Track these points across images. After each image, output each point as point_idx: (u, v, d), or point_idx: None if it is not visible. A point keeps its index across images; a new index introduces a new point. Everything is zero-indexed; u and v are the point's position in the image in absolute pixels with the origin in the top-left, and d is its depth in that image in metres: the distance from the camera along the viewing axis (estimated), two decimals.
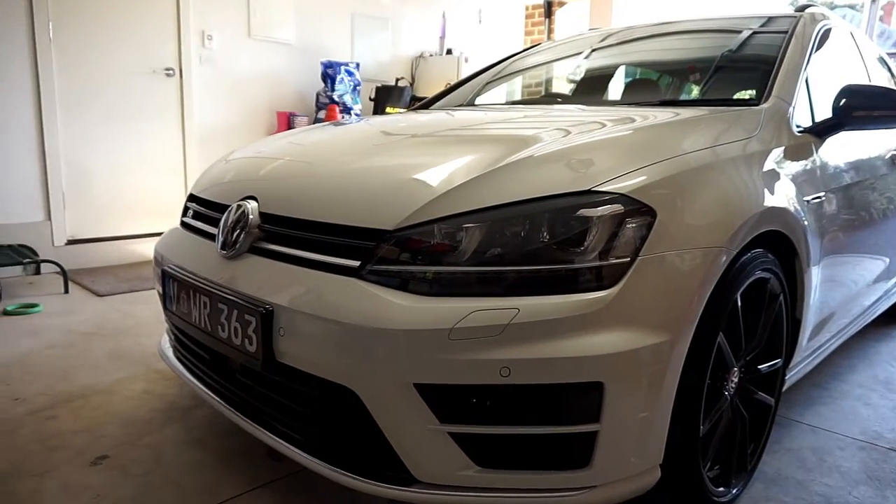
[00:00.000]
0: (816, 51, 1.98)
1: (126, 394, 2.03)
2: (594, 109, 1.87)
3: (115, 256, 3.95)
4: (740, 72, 2.19)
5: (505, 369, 1.06)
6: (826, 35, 2.09)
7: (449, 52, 5.75)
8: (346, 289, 1.16)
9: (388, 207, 1.21)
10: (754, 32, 2.25)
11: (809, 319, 1.73)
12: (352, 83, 4.85)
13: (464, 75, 2.97)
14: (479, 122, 1.76)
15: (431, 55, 5.75)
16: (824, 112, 1.86)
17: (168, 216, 4.10)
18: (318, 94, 4.84)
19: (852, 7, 5.59)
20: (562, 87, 2.96)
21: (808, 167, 1.70)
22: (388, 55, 5.51)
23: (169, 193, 4.24)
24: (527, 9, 6.79)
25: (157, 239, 1.88)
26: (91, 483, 1.52)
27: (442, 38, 5.82)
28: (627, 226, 1.15)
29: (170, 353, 1.77)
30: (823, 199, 1.73)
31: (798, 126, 1.74)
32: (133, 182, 4.08)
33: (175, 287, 1.54)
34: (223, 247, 1.42)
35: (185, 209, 1.80)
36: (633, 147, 1.35)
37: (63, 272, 3.33)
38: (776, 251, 1.49)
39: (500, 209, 1.16)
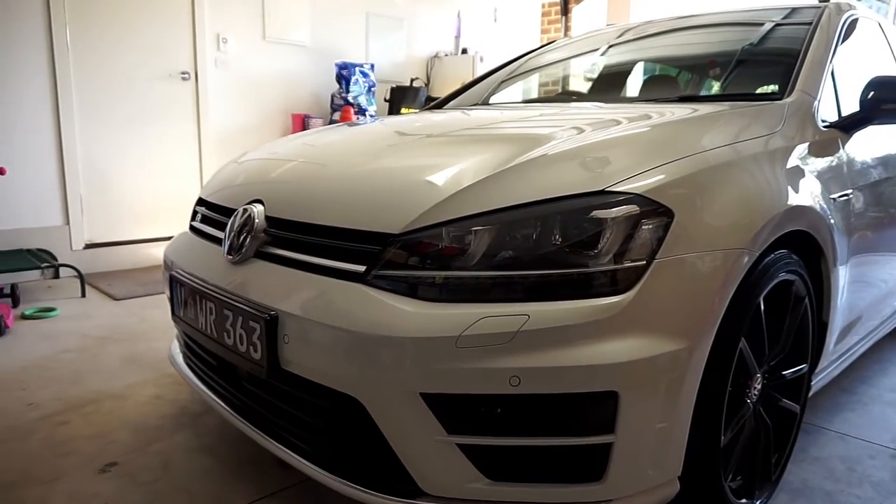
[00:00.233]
0: (842, 42, 1.90)
1: (137, 399, 2.02)
2: (611, 107, 1.82)
3: (131, 260, 3.97)
4: (762, 66, 2.12)
5: (515, 378, 1.02)
6: (853, 26, 2.01)
7: (464, 51, 5.71)
8: (351, 295, 1.13)
9: (395, 210, 1.18)
10: (777, 24, 2.17)
11: (837, 322, 1.66)
12: (366, 84, 4.83)
13: (479, 75, 2.92)
14: (493, 122, 1.71)
15: (447, 55, 5.71)
16: (851, 106, 1.79)
17: (184, 219, 4.09)
18: (332, 96, 4.83)
19: None
20: (578, 84, 2.91)
21: (835, 163, 1.63)
22: (402, 55, 5.49)
23: (185, 196, 4.25)
24: (543, 6, 6.72)
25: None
26: (99, 491, 1.51)
27: (457, 37, 5.78)
28: (643, 227, 1.10)
29: (179, 358, 1.75)
30: (851, 196, 1.65)
31: (823, 121, 1.67)
32: (150, 186, 4.10)
33: (182, 292, 1.52)
34: (229, 251, 1.40)
35: (194, 213, 1.78)
36: (649, 145, 1.29)
37: (80, 276, 3.35)
38: (801, 252, 1.43)
39: (510, 211, 1.12)
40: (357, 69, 4.76)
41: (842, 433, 1.86)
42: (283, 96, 4.71)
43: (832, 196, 1.55)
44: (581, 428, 1.06)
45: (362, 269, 1.15)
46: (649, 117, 1.48)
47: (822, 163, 1.57)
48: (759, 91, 1.98)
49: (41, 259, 3.39)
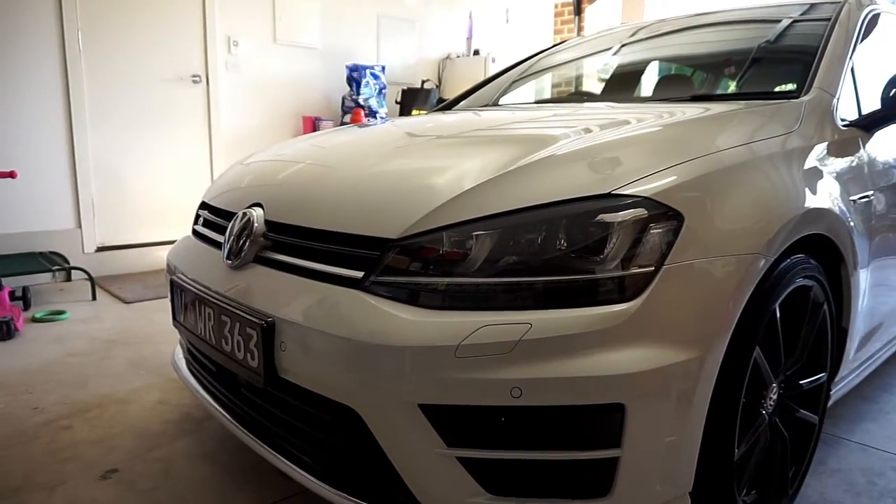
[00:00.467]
0: (863, 38, 1.84)
1: (141, 404, 2.00)
2: (624, 107, 1.77)
3: (143, 263, 3.98)
4: (779, 64, 2.05)
5: (516, 389, 0.98)
6: (874, 21, 1.94)
7: (476, 52, 5.67)
8: (348, 301, 1.09)
9: (394, 214, 1.14)
10: (794, 21, 2.11)
11: (857, 329, 1.59)
12: (377, 86, 4.81)
13: (490, 76, 2.89)
14: (501, 123, 1.67)
15: (458, 56, 5.68)
16: (872, 104, 1.72)
17: None
18: (343, 98, 4.82)
19: None
20: (590, 84, 2.86)
21: (855, 163, 1.57)
22: (414, 57, 5.46)
23: (196, 199, 4.22)
24: (556, 7, 6.67)
25: None
26: (99, 498, 1.49)
27: (469, 38, 5.74)
28: (651, 232, 1.05)
29: (182, 364, 1.73)
30: (872, 197, 1.59)
31: (843, 119, 1.61)
32: (161, 189, 4.11)
33: (182, 297, 1.50)
34: (228, 256, 1.37)
35: (197, 216, 1.76)
36: (659, 146, 1.24)
37: (91, 279, 3.36)
38: (819, 256, 1.37)
39: (513, 215, 1.07)
40: (368, 71, 4.74)
41: (863, 444, 1.79)
42: (293, 99, 4.70)
43: (852, 198, 1.49)
44: (586, 441, 1.02)
45: (360, 275, 1.11)
46: (660, 117, 1.43)
47: (841, 163, 1.51)
48: (775, 89, 1.92)
49: (52, 262, 3.41)
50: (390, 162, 1.36)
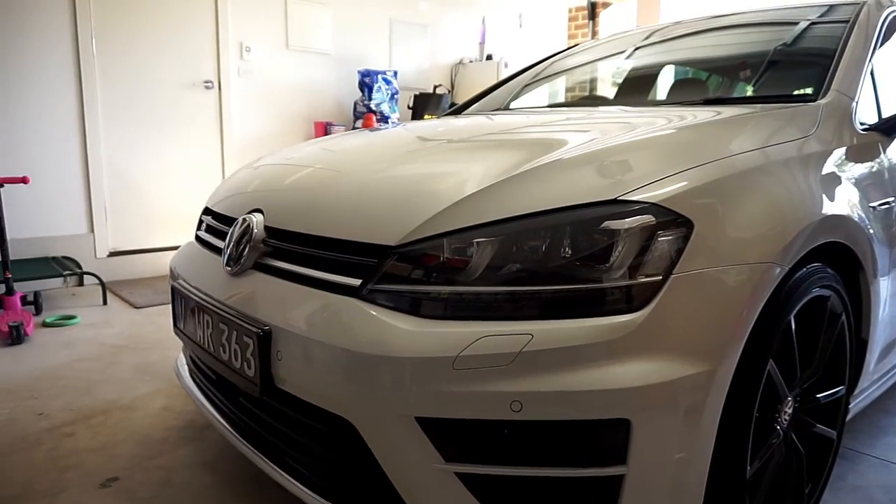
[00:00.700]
0: (883, 40, 1.78)
1: (146, 410, 1.99)
2: (636, 111, 1.73)
3: (154, 268, 3.99)
4: (796, 67, 2.00)
5: (516, 403, 0.94)
6: (895, 23, 1.88)
7: (489, 57, 5.64)
8: (344, 310, 1.06)
9: (393, 221, 1.11)
10: (812, 23, 2.05)
11: (877, 339, 1.53)
12: (389, 91, 4.80)
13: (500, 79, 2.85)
14: (507, 127, 1.63)
15: (471, 61, 5.66)
16: (893, 107, 1.66)
17: None
18: (355, 104, 4.81)
19: None
20: (603, 88, 2.81)
21: (875, 169, 1.51)
22: (426, 62, 5.45)
23: None
24: (570, 11, 6.62)
25: None
26: None
27: (482, 43, 5.72)
28: (659, 239, 1.01)
29: (184, 371, 1.71)
30: (893, 204, 1.53)
31: (862, 123, 1.55)
32: (173, 194, 4.13)
33: (183, 304, 1.48)
34: (228, 262, 1.35)
35: (200, 222, 1.75)
36: (669, 150, 1.20)
37: (102, 284, 3.37)
38: (837, 264, 1.32)
39: (515, 221, 1.04)
40: (380, 76, 4.73)
41: (884, 459, 1.72)
42: (305, 104, 4.71)
43: (871, 204, 1.44)
44: (589, 458, 0.98)
45: (358, 283, 1.08)
46: (671, 121, 1.39)
47: (860, 168, 1.46)
48: (791, 93, 1.87)
49: (65, 267, 3.43)
50: (397, 166, 1.32)
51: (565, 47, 2.92)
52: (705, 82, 2.32)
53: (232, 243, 1.35)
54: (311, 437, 1.16)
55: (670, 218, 1.02)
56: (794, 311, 1.17)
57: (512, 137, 1.49)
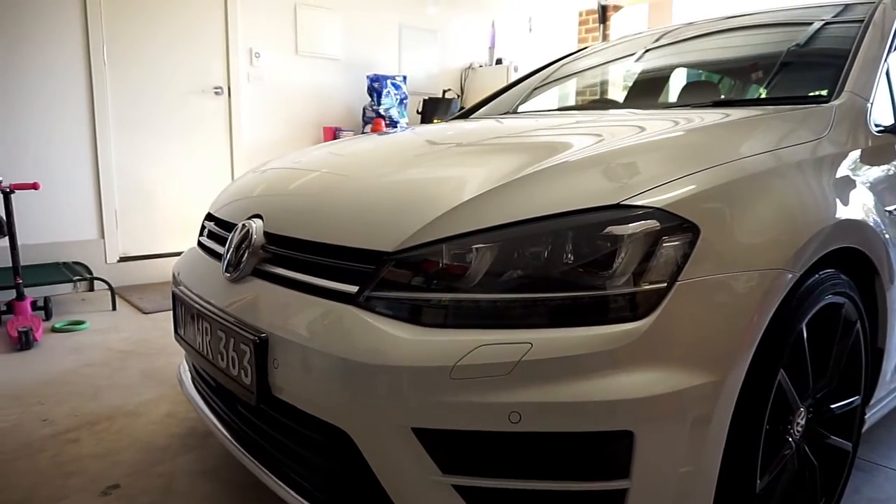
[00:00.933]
0: None
1: (150, 416, 1.98)
2: (646, 113, 1.69)
3: (164, 273, 4.00)
4: (809, 68, 1.96)
5: (515, 414, 0.91)
6: None
7: (499, 62, 5.62)
8: (340, 317, 1.04)
9: (391, 226, 1.09)
10: (826, 23, 2.01)
11: (894, 347, 1.49)
12: (398, 96, 4.80)
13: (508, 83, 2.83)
14: (523, 130, 1.58)
15: (481, 66, 5.64)
16: None
17: None
18: (364, 109, 4.81)
19: None
20: (612, 91, 2.78)
21: (891, 172, 1.47)
22: (436, 67, 5.44)
23: None
24: (580, 15, 6.59)
25: None
26: None
27: (491, 48, 5.70)
28: (664, 245, 0.98)
29: (187, 378, 1.70)
30: None
31: (877, 125, 1.51)
32: (183, 200, 4.14)
33: (183, 310, 1.47)
34: (227, 269, 1.33)
35: (202, 228, 1.74)
36: (676, 153, 1.17)
37: (111, 289, 3.38)
38: (851, 271, 1.28)
39: (515, 227, 1.01)
40: (389, 81, 4.72)
41: None
42: (314, 110, 4.71)
43: (888, 208, 1.40)
44: (591, 472, 0.94)
45: (355, 289, 1.06)
46: (680, 123, 1.35)
47: (875, 171, 1.42)
48: (804, 94, 1.82)
49: (75, 272, 3.44)
50: (403, 171, 1.29)
51: (574, 50, 2.90)
52: (717, 84, 2.28)
53: (231, 249, 1.34)
54: (308, 447, 1.14)
55: (676, 223, 0.99)
56: (807, 319, 1.13)
57: (518, 141, 1.46)
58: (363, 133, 4.73)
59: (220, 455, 1.72)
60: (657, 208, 1.00)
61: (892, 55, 1.67)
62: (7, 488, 1.58)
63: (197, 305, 1.37)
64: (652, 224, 0.98)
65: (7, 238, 2.97)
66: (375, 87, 4.70)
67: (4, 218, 2.96)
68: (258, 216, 1.37)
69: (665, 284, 0.96)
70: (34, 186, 3.01)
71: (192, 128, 4.13)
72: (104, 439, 1.83)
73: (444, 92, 5.34)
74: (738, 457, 1.02)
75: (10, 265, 2.99)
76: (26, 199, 3.46)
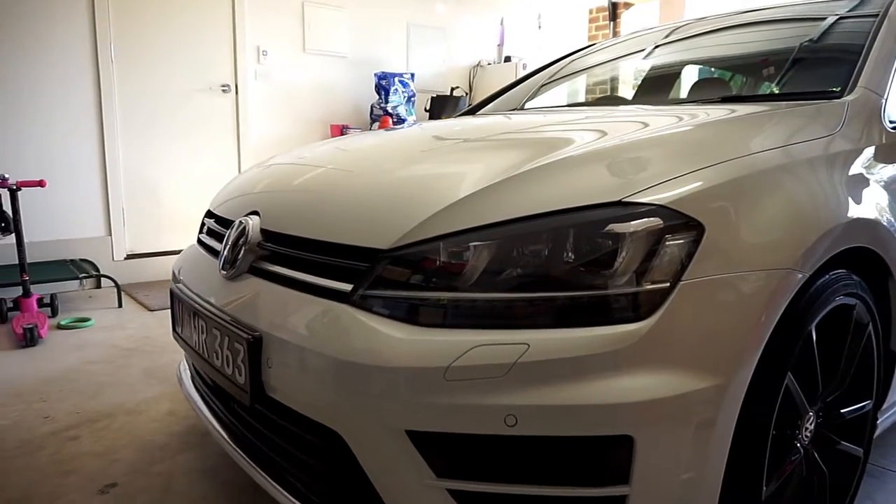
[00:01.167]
0: None
1: (150, 414, 1.97)
2: (655, 109, 1.66)
3: (170, 271, 4.00)
4: (822, 64, 1.91)
5: (511, 417, 0.88)
6: None
7: (507, 59, 5.59)
8: (334, 316, 1.02)
9: (388, 223, 1.06)
10: (839, 18, 1.96)
11: None
12: (406, 94, 4.78)
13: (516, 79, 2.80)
14: (531, 126, 1.55)
15: (489, 63, 5.61)
16: None
17: None
18: (372, 106, 4.80)
19: None
20: (621, 87, 2.74)
21: None
22: (444, 65, 5.41)
23: None
24: (590, 12, 6.53)
25: None
26: None
27: (500, 45, 5.67)
28: (667, 243, 0.95)
29: (186, 377, 1.68)
30: None
31: (892, 121, 1.46)
32: (190, 197, 4.15)
33: (180, 308, 1.45)
34: (223, 266, 1.32)
35: (202, 225, 1.72)
36: (682, 148, 1.13)
37: (117, 287, 3.39)
38: (863, 271, 1.23)
39: (513, 224, 0.98)
40: (396, 79, 4.70)
41: None
42: (322, 107, 4.70)
43: None
44: (589, 477, 0.91)
45: (349, 288, 1.04)
46: (687, 118, 1.32)
47: (890, 169, 1.37)
48: (816, 90, 1.78)
49: (81, 269, 3.45)
50: (407, 167, 1.26)
51: (583, 46, 2.86)
52: (728, 81, 2.24)
53: (228, 246, 1.32)
54: (302, 448, 1.12)
55: (680, 221, 0.96)
56: (816, 321, 1.10)
57: (523, 137, 1.43)
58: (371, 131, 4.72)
59: (220, 454, 1.71)
60: (660, 205, 0.96)
61: None
62: (5, 486, 1.57)
63: (193, 303, 1.35)
64: (655, 222, 0.95)
65: (14, 235, 2.98)
66: (383, 84, 4.69)
67: (11, 215, 2.96)
68: (256, 213, 1.35)
69: (668, 284, 0.93)
70: (40, 184, 3.02)
71: (199, 125, 4.14)
72: (104, 437, 1.82)
73: (453, 89, 5.32)
74: (742, 463, 0.99)
75: (17, 262, 3.00)
76: (34, 196, 3.47)
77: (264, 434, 1.22)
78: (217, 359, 1.23)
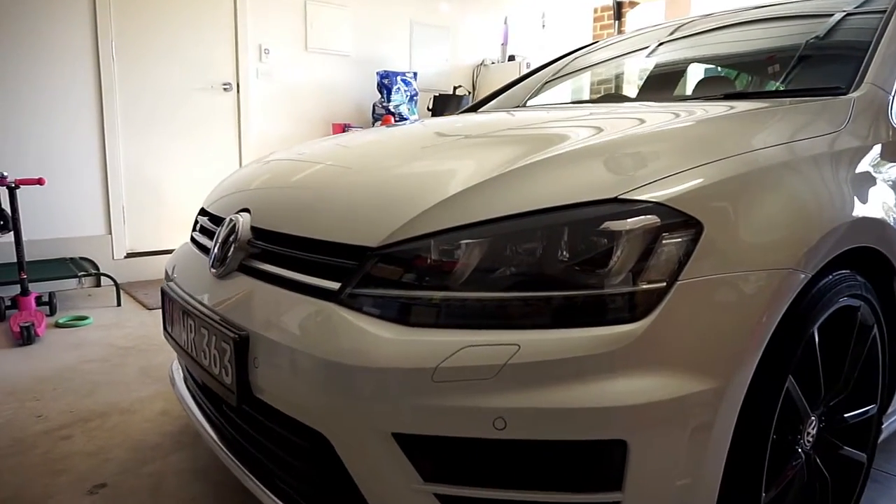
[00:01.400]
0: None
1: (144, 414, 1.95)
2: (658, 106, 1.62)
3: None
4: (829, 61, 1.87)
5: (500, 420, 0.86)
6: None
7: (511, 58, 5.55)
8: (320, 315, 0.99)
9: (378, 221, 1.04)
10: (846, 14, 1.92)
11: None
12: (408, 93, 4.75)
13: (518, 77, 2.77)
14: (529, 123, 1.51)
15: (493, 62, 5.58)
16: None
17: None
18: (374, 105, 4.77)
19: None
20: (624, 85, 2.70)
21: None
22: (447, 64, 5.38)
23: None
24: (595, 11, 6.49)
25: None
26: None
27: (504, 44, 5.63)
28: (664, 242, 0.92)
29: (178, 377, 1.66)
30: None
31: None
32: (191, 196, 4.13)
33: (171, 307, 1.43)
34: (213, 264, 1.29)
35: (196, 223, 1.70)
36: (681, 144, 1.10)
37: (116, 285, 3.37)
38: (868, 272, 1.20)
39: (505, 222, 0.95)
40: (399, 78, 4.68)
41: None
42: (324, 106, 4.68)
43: None
44: (580, 483, 0.88)
45: (337, 286, 1.01)
46: (688, 114, 1.29)
47: None
48: (821, 87, 1.74)
49: (81, 268, 3.44)
50: (407, 163, 1.23)
51: (587, 43, 2.83)
52: (733, 78, 2.21)
53: (218, 244, 1.30)
54: (288, 450, 1.09)
55: (677, 219, 0.93)
56: (819, 323, 1.06)
57: (522, 133, 1.40)
58: None
59: (212, 455, 1.68)
60: (657, 203, 0.93)
61: None
62: None
63: (184, 302, 1.33)
64: (652, 220, 0.92)
65: (12, 233, 2.97)
66: (385, 83, 4.66)
67: (9, 213, 2.95)
68: (247, 210, 1.32)
69: (665, 284, 0.90)
70: (39, 182, 3.01)
71: (200, 124, 4.12)
72: (96, 437, 1.80)
73: (455, 88, 5.29)
74: (741, 469, 0.96)
75: (16, 260, 2.99)
76: (34, 194, 3.46)
77: (252, 435, 1.19)
78: (205, 358, 1.21)
